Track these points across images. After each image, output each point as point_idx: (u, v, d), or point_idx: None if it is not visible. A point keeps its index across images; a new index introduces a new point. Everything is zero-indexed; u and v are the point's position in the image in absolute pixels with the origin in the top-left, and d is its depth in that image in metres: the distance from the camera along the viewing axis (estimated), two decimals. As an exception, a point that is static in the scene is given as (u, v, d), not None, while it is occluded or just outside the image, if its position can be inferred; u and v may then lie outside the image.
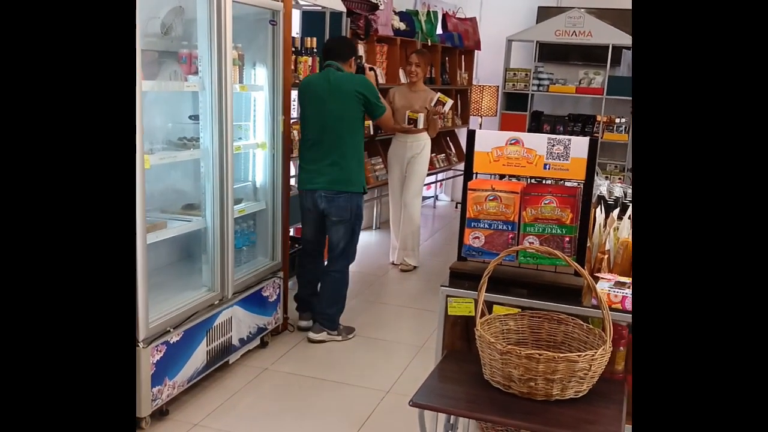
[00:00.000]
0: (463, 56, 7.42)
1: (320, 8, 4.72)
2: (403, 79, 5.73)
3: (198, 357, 3.03)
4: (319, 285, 3.93)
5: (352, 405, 3.13)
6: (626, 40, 7.09)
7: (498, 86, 7.57)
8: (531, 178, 2.14)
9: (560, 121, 7.43)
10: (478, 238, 2.02)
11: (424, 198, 7.92)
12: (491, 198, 1.99)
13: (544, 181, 2.11)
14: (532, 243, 1.97)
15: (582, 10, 7.17)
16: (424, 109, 4.98)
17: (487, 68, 7.78)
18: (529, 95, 7.46)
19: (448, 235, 6.60)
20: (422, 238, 6.46)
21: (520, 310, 1.98)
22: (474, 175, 2.13)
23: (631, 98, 6.97)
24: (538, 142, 2.04)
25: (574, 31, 7.12)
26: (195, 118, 3.24)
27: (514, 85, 7.52)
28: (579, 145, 2.00)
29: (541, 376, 1.67)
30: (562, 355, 1.66)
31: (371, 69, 4.17)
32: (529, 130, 7.33)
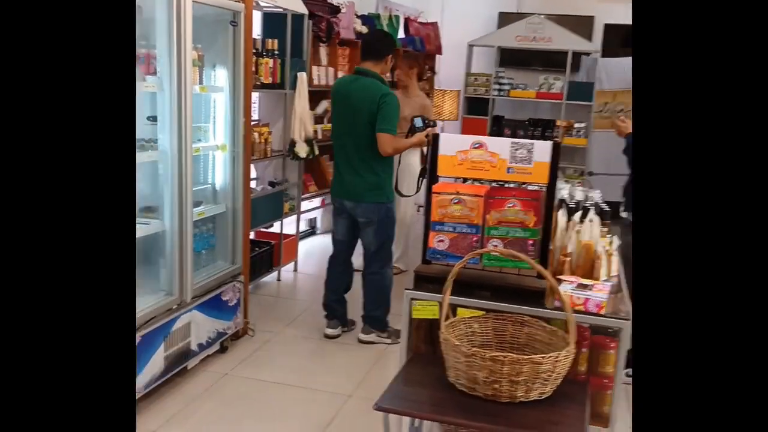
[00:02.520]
0: (424, 60, 7.44)
1: (282, 10, 4.68)
2: None
3: (156, 362, 2.95)
4: (344, 292, 3.98)
5: (314, 410, 3.10)
6: (585, 45, 7.22)
7: (459, 90, 7.62)
8: (494, 181, 2.15)
9: (521, 125, 7.51)
10: (442, 241, 2.02)
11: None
12: (455, 201, 1.99)
13: (507, 185, 2.12)
14: (496, 246, 1.98)
15: (542, 16, 7.27)
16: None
17: (449, 73, 7.82)
18: (491, 100, 7.53)
19: (410, 239, 6.60)
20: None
21: (484, 312, 1.98)
22: (437, 178, 2.12)
23: (590, 103, 7.13)
24: (501, 145, 2.05)
25: (535, 37, 7.21)
26: (152, 119, 3.17)
27: (475, 89, 7.59)
28: (542, 149, 2.02)
29: (505, 378, 1.68)
30: (526, 357, 1.67)
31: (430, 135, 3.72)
32: (490, 134, 7.40)
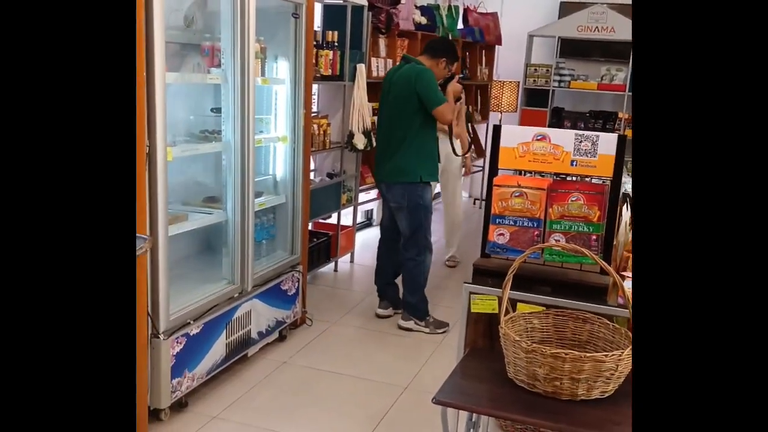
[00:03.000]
0: (484, 51, 7.37)
1: (342, 2, 4.71)
2: None
3: (217, 349, 3.03)
4: (393, 277, 4.08)
5: (370, 400, 3.12)
6: (650, 36, 7.00)
7: (519, 82, 7.51)
8: (557, 174, 2.11)
9: (581, 117, 7.36)
10: (502, 234, 1.99)
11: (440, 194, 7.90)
12: (517, 194, 1.96)
13: (570, 178, 2.08)
14: (559, 240, 1.94)
15: (604, 5, 7.08)
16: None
17: (508, 64, 7.71)
18: (550, 91, 7.39)
19: (467, 232, 6.55)
20: (438, 235, 6.45)
21: (544, 308, 1.95)
22: (497, 170, 2.10)
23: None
24: (565, 138, 2.00)
25: (597, 27, 7.03)
26: (217, 110, 3.25)
27: (534, 80, 7.46)
28: (607, 142, 1.97)
29: (566, 376, 1.65)
30: (588, 354, 1.64)
31: (458, 90, 3.91)
32: (550, 126, 7.27)
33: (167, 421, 2.80)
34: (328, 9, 4.79)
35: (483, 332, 2.12)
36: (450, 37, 6.37)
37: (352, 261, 5.26)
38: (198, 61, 2.97)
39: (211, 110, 3.32)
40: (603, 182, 1.99)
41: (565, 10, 7.64)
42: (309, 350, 3.62)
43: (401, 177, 3.72)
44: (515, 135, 2.06)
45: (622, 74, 7.18)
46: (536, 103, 7.45)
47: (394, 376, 3.35)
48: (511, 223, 1.98)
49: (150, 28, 2.42)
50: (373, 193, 6.03)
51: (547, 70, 7.40)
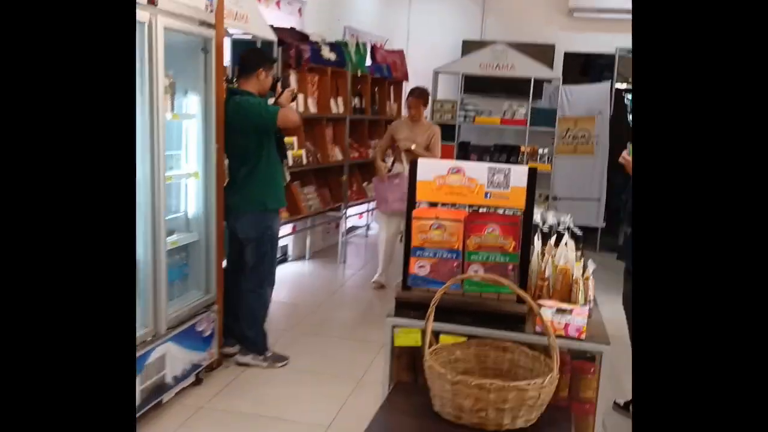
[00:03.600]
0: (392, 87, 7.54)
1: (250, 37, 4.70)
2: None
3: (128, 397, 2.87)
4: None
5: (292, 441, 3.05)
6: (547, 73, 7.39)
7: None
8: (471, 206, 2.17)
9: (486, 151, 7.63)
10: (423, 266, 2.02)
11: (356, 227, 7.94)
12: (436, 226, 2.01)
13: (484, 210, 2.15)
14: (477, 271, 1.99)
15: (504, 44, 7.42)
16: (425, 141, 5.32)
17: (416, 99, 7.89)
18: (456, 126, 7.63)
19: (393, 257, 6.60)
20: (356, 268, 6.46)
21: (466, 338, 1.99)
22: (415, 203, 2.14)
23: (553, 129, 7.28)
24: (479, 170, 2.07)
25: (498, 65, 7.36)
26: (124, 147, 3.13)
27: (441, 116, 7.69)
28: (518, 174, 2.05)
29: (492, 406, 1.68)
30: (512, 383, 1.67)
31: (289, 90, 3.93)
32: (457, 159, 7.49)
33: (73, 478, 2.62)
34: (237, 44, 4.76)
35: (406, 366, 2.13)
36: (359, 74, 6.48)
37: (266, 298, 5.16)
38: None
39: (118, 147, 3.20)
40: (515, 213, 2.07)
41: (467, 48, 7.96)
42: (227, 393, 3.50)
43: (248, 206, 3.70)
44: (431, 168, 2.11)
45: (522, 109, 7.51)
46: (444, 137, 7.57)
47: (315, 416, 3.29)
48: (431, 255, 2.02)
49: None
50: (288, 228, 5.99)
51: (453, 106, 7.65)
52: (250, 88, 3.71)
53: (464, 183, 2.07)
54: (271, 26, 4.91)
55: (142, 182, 2.95)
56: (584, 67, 8.14)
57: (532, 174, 2.04)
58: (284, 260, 6.33)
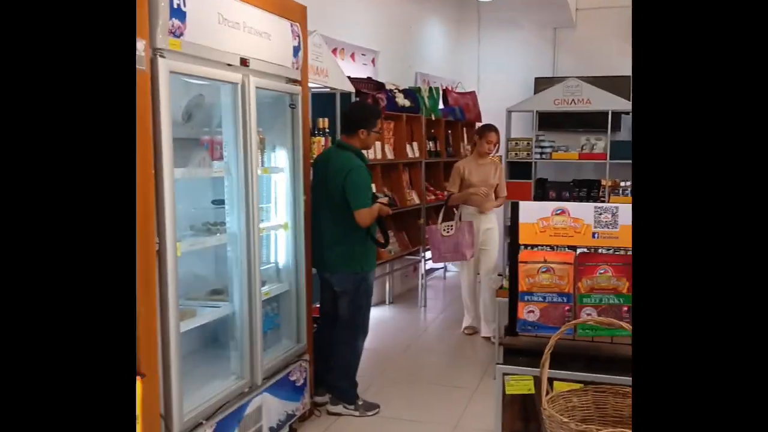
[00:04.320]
0: (465, 128, 7.55)
1: (329, 89, 4.82)
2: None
3: (230, 450, 2.90)
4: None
5: (392, 493, 2.98)
6: (624, 105, 7.24)
7: (500, 156, 7.65)
8: (574, 247, 2.11)
9: (565, 186, 7.48)
10: (532, 312, 1.97)
11: (434, 270, 7.88)
12: (544, 270, 1.95)
13: (590, 251, 2.08)
14: (590, 314, 1.92)
15: (578, 78, 7.34)
16: (497, 179, 5.22)
17: (490, 139, 7.88)
18: (533, 163, 7.54)
19: (460, 307, 6.49)
20: (437, 311, 6.39)
21: (582, 385, 1.90)
22: (520, 246, 2.09)
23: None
24: (584, 211, 2.02)
25: (573, 99, 7.27)
26: (217, 202, 3.24)
27: (516, 153, 7.62)
28: (627, 212, 1.98)
29: (620, 456, 1.59)
30: None
31: (391, 203, 4.01)
32: (535, 198, 7.37)
33: None
34: (317, 97, 4.88)
35: (518, 414, 2.06)
36: (433, 117, 6.53)
37: (352, 345, 5.15)
38: (203, 156, 2.98)
39: (212, 202, 3.31)
40: (627, 252, 2.00)
41: (540, 84, 7.92)
42: (321, 443, 3.48)
43: (345, 265, 3.68)
44: (534, 211, 2.07)
45: (601, 143, 7.36)
46: (520, 175, 7.58)
47: (414, 465, 3.22)
48: (541, 299, 1.96)
49: (157, 126, 2.43)
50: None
51: (528, 143, 7.58)
52: (354, 143, 3.74)
53: (570, 224, 2.01)
54: (349, 77, 5.03)
55: (238, 234, 3.02)
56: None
57: (642, 211, 1.97)
58: (366, 306, 6.33)
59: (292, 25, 3.41)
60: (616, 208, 2.00)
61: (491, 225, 5.24)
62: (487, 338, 5.24)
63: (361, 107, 4.32)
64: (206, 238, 2.97)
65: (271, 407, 3.25)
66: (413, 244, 6.31)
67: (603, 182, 7.33)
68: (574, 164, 7.68)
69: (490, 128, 5.33)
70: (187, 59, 2.59)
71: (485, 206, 5.14)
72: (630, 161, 6.45)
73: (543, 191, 7.52)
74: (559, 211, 2.03)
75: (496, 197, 5.25)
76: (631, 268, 1.95)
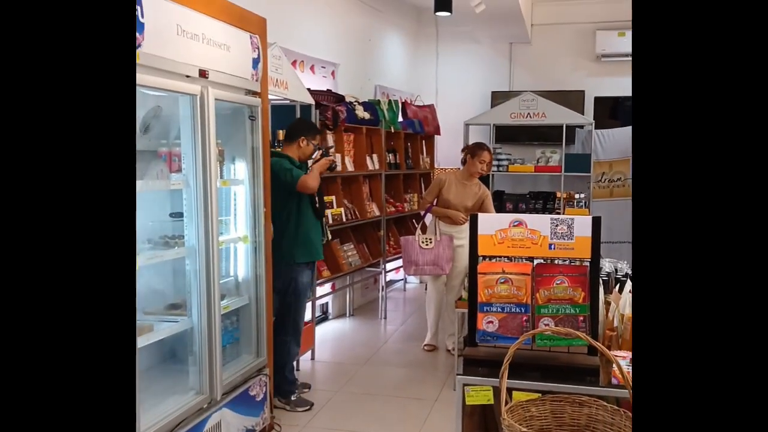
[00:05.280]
0: (424, 141, 7.62)
1: (289, 101, 4.81)
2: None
3: (188, 467, 2.85)
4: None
5: (353, 507, 2.97)
6: (578, 119, 7.41)
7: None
8: (530, 258, 2.16)
9: (522, 199, 7.60)
10: (491, 322, 2.00)
11: (394, 281, 7.91)
12: (502, 281, 1.99)
13: (545, 261, 2.13)
14: (548, 325, 1.96)
15: (533, 93, 7.48)
16: (476, 205, 5.13)
17: (448, 151, 7.99)
18: (490, 176, 7.63)
19: (420, 318, 6.53)
20: (397, 323, 6.40)
21: (540, 394, 1.94)
22: (479, 258, 2.13)
23: (588, 174, 7.25)
24: (541, 222, 2.07)
25: (529, 113, 7.39)
26: (175, 215, 3.20)
27: (474, 166, 7.69)
28: (583, 224, 2.03)
29: (577, 464, 1.62)
30: (598, 439, 1.62)
31: (327, 159, 4.09)
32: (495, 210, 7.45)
33: None
34: (276, 109, 4.87)
35: (478, 425, 2.08)
36: (392, 130, 6.57)
37: (313, 358, 5.13)
38: (161, 168, 2.94)
39: (170, 215, 3.26)
40: (583, 263, 2.05)
41: (497, 98, 8.05)
42: (281, 458, 3.45)
43: (279, 260, 3.83)
44: (492, 222, 2.11)
45: (556, 156, 7.51)
46: (477, 187, 7.65)
47: (374, 478, 3.22)
48: (499, 309, 2.00)
49: (115, 138, 2.39)
50: (328, 287, 5.99)
51: (486, 156, 7.66)
52: (290, 153, 4.01)
53: (527, 236, 2.06)
54: (309, 89, 5.03)
55: (197, 248, 2.98)
56: (614, 111, 8.16)
57: (597, 223, 2.03)
58: (325, 318, 6.31)
59: (251, 37, 3.40)
60: (572, 220, 2.05)
61: (462, 242, 5.22)
62: (449, 351, 5.25)
63: (304, 120, 4.58)
64: (164, 251, 2.93)
65: (231, 423, 3.20)
66: (374, 256, 6.32)
67: (558, 194, 7.46)
68: (530, 177, 7.81)
69: (482, 147, 5.14)
70: (145, 70, 2.56)
71: (459, 219, 5.12)
72: (583, 174, 6.57)
73: (500, 203, 7.61)
74: (516, 223, 2.08)
75: None
76: (587, 278, 2.01)
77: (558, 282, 1.96)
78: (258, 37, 3.47)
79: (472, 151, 5.16)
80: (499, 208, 7.51)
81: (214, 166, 3.05)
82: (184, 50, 2.80)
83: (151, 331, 2.79)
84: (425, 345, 5.42)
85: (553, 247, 2.05)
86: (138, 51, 2.50)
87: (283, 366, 4.02)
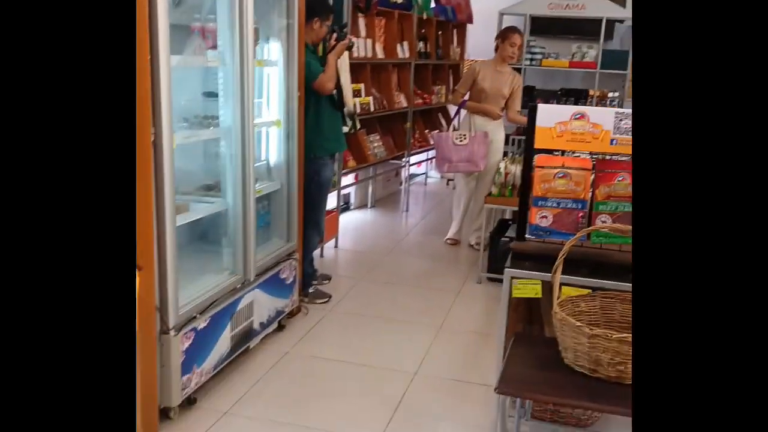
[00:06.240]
0: (455, 30, 7.31)
1: (321, -20, 4.55)
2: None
3: (223, 343, 2.92)
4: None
5: (381, 387, 3.06)
6: (619, 12, 7.05)
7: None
8: (592, 154, 2.07)
9: (553, 95, 7.38)
10: (545, 217, 1.95)
11: (415, 175, 7.86)
12: (561, 175, 1.92)
13: (608, 157, 2.04)
14: (605, 221, 1.90)
15: (574, -18, 7.09)
16: (509, 91, 4.98)
17: (480, 42, 7.66)
18: (522, 69, 7.38)
19: (441, 213, 6.54)
20: (418, 217, 6.41)
21: (590, 290, 1.92)
22: (533, 151, 2.05)
23: (624, 72, 6.99)
24: (604, 116, 1.96)
25: (567, 4, 7.04)
26: (209, 94, 3.10)
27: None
28: (648, 120, 1.93)
29: (630, 360, 1.62)
30: (654, 337, 1.60)
31: (343, 44, 3.87)
32: (522, 106, 7.27)
33: (177, 420, 2.68)
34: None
35: (522, 317, 2.08)
36: (425, 16, 6.28)
37: (336, 246, 5.18)
38: (198, 43, 2.81)
39: (203, 94, 3.17)
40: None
41: (533, -12, 7.63)
42: (310, 339, 3.53)
43: (306, 153, 3.72)
44: (552, 114, 2.01)
45: (593, 51, 7.22)
46: (507, 81, 7.41)
47: (400, 362, 3.30)
48: (555, 205, 1.94)
49: (153, 9, 2.26)
50: (351, 177, 5.95)
51: (518, 49, 7.37)
52: (308, 35, 3.68)
53: (588, 129, 1.96)
54: (342, -34, 4.76)
55: (233, 130, 2.91)
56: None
57: (664, 119, 1.92)
58: (347, 208, 6.31)
59: None
60: (638, 114, 1.94)
61: (497, 137, 5.08)
62: (472, 246, 5.27)
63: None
64: (200, 131, 2.86)
65: (262, 303, 3.26)
66: (399, 149, 6.23)
67: (591, 92, 7.24)
68: (563, 72, 7.54)
69: (513, 30, 5.01)
70: (182, -66, 2.39)
71: (495, 114, 4.99)
72: (620, 71, 6.32)
73: (530, 99, 7.40)
74: (578, 116, 1.97)
75: (507, 110, 5.06)
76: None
77: (620, 179, 1.89)
78: None
79: (503, 34, 5.07)
80: (528, 104, 7.33)
81: (252, 45, 2.91)
82: None
83: (187, 211, 2.77)
84: (448, 239, 5.44)
85: (615, 142, 1.96)
86: None
87: (304, 259, 3.98)
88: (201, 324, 2.73)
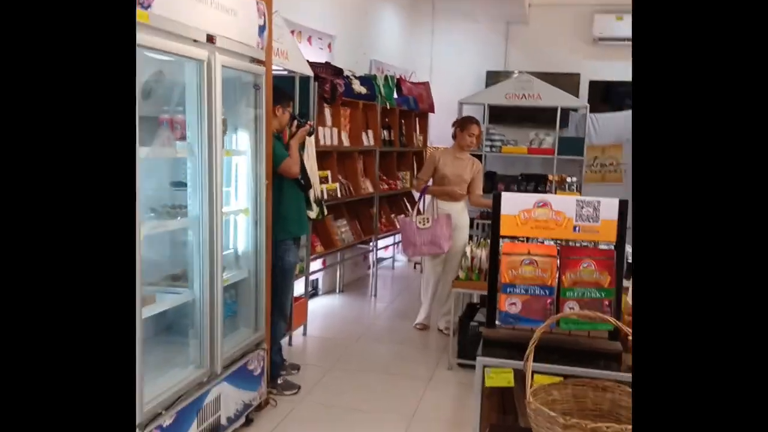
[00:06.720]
0: (417, 119, 7.54)
1: (288, 73, 4.71)
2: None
3: (188, 441, 2.80)
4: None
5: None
6: (573, 101, 7.39)
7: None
8: (556, 240, 2.12)
9: (514, 180, 7.58)
10: (514, 304, 1.97)
11: (382, 259, 7.87)
12: (527, 262, 1.95)
13: (572, 244, 2.09)
14: (573, 308, 1.93)
15: (528, 73, 7.43)
16: (470, 177, 5.07)
17: (442, 130, 7.89)
18: (483, 156, 7.59)
19: (409, 297, 6.52)
20: (387, 301, 6.38)
21: (562, 378, 1.91)
22: (499, 239, 2.08)
23: (581, 158, 7.25)
24: (566, 204, 2.03)
25: (524, 94, 7.35)
26: (177, 184, 3.11)
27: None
28: (609, 207, 2.00)
29: (606, 449, 1.60)
30: (628, 426, 1.60)
31: (304, 130, 3.99)
32: (483, 190, 7.43)
33: None
34: (275, 79, 4.76)
35: (497, 407, 2.06)
36: (388, 106, 6.49)
37: (305, 333, 5.09)
38: (167, 135, 2.85)
39: (171, 183, 3.18)
40: (609, 246, 2.02)
41: (491, 78, 7.99)
42: (278, 433, 3.42)
43: (273, 237, 3.75)
44: (516, 202, 2.07)
45: (550, 138, 7.49)
46: (470, 167, 7.62)
47: (373, 455, 3.20)
48: (523, 291, 1.96)
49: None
50: (319, 263, 5.94)
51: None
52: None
53: (551, 216, 2.02)
54: (307, 61, 4.93)
55: (201, 219, 2.91)
56: (607, 95, 8.15)
57: (624, 206, 1.99)
58: (315, 294, 6.26)
59: (258, 3, 3.30)
60: (598, 202, 2.01)
61: (462, 222, 5.13)
62: (442, 330, 5.24)
63: (276, 88, 4.24)
64: (168, 221, 2.85)
65: (230, 397, 3.16)
66: (366, 233, 6.27)
67: (550, 177, 7.45)
68: (522, 158, 7.78)
69: (471, 120, 5.18)
70: (154, 32, 2.46)
71: (456, 193, 5.07)
72: (576, 157, 6.56)
73: (492, 184, 7.59)
74: (541, 204, 2.03)
75: (469, 194, 5.15)
76: (613, 262, 1.98)
77: (585, 265, 1.93)
78: (264, 3, 3.36)
79: (461, 124, 5.21)
80: (491, 190, 7.49)
81: (220, 136, 2.96)
82: (193, 13, 2.71)
83: (154, 303, 2.72)
84: (417, 323, 5.40)
85: (577, 229, 2.02)
86: (148, 12, 2.40)
87: (274, 350, 3.93)
88: (167, 421, 2.63)
